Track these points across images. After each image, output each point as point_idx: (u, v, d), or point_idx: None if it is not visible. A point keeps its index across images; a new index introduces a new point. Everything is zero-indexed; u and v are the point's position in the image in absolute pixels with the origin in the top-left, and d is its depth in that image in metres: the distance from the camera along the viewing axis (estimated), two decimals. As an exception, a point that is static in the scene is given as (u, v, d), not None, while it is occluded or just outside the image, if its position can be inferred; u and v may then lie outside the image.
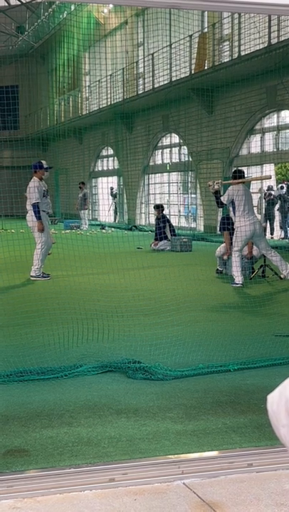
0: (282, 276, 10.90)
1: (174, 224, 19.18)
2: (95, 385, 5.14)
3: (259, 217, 17.31)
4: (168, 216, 19.55)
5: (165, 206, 21.61)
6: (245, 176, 11.74)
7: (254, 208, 11.18)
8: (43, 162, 11.76)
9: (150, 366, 5.38)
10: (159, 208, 18.26)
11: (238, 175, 10.93)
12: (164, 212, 18.47)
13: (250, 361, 5.66)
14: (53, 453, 3.83)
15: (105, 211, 29.56)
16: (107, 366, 5.52)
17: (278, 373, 5.37)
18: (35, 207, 11.26)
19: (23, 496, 3.29)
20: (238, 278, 10.40)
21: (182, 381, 5.24)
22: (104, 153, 32.53)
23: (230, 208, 10.80)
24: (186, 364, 5.58)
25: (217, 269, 11.94)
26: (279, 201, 20.50)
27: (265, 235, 11.79)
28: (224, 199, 10.57)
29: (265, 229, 16.24)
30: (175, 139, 25.94)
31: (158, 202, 23.76)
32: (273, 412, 1.39)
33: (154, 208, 18.84)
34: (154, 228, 18.91)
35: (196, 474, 3.51)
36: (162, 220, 17.77)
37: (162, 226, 17.56)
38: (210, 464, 3.64)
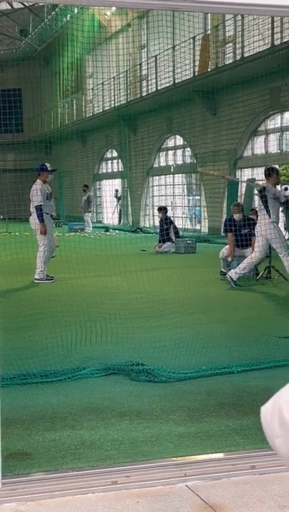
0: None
1: (178, 226, 19.16)
2: (98, 388, 5.13)
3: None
4: (172, 218, 19.53)
5: (169, 208, 21.61)
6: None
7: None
8: (47, 164, 11.77)
9: (153, 368, 5.38)
10: (162, 209, 18.26)
11: (271, 172, 10.79)
12: (167, 214, 18.47)
13: (253, 363, 5.65)
14: (56, 456, 3.83)
15: (110, 213, 29.56)
16: (110, 369, 5.52)
17: (281, 375, 5.35)
18: (38, 209, 11.28)
19: (25, 499, 3.30)
20: (235, 277, 10.41)
21: (185, 383, 5.23)
22: (108, 155, 32.56)
23: (262, 206, 10.52)
24: (189, 366, 5.57)
25: (221, 271, 11.91)
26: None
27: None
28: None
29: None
30: (179, 140, 25.95)
31: (162, 204, 23.75)
32: (267, 423, 1.39)
33: (158, 209, 18.83)
34: (158, 230, 18.90)
35: (199, 476, 3.50)
36: (166, 222, 17.76)
37: (166, 228, 17.55)
38: (213, 466, 3.63)
